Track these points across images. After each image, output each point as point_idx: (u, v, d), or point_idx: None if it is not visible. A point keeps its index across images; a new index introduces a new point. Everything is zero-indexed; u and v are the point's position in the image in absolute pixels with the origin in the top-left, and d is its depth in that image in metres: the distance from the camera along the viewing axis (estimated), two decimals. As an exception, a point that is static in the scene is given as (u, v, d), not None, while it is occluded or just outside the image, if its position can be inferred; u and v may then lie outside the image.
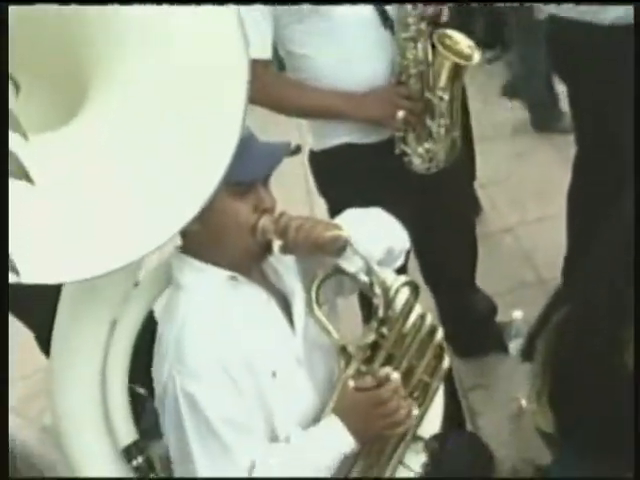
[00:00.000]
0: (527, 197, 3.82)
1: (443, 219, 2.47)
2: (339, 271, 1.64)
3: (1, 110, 0.92)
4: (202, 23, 1.36)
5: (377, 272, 1.57)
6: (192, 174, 1.34)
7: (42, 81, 1.39)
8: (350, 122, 2.21)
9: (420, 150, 2.21)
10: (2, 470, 1.04)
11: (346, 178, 2.26)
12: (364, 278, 1.61)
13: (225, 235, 1.58)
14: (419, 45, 2.10)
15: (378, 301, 1.58)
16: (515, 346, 2.59)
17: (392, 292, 1.64)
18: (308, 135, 2.37)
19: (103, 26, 1.34)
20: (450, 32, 2.14)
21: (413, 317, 1.69)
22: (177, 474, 1.66)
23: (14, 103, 0.97)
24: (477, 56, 2.13)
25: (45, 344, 2.96)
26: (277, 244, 1.63)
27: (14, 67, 1.02)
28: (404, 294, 1.69)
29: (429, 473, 1.74)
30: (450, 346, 2.53)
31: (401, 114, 2.13)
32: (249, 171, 1.51)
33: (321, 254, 1.62)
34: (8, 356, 1.06)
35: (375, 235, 1.66)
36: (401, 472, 1.73)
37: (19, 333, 3.74)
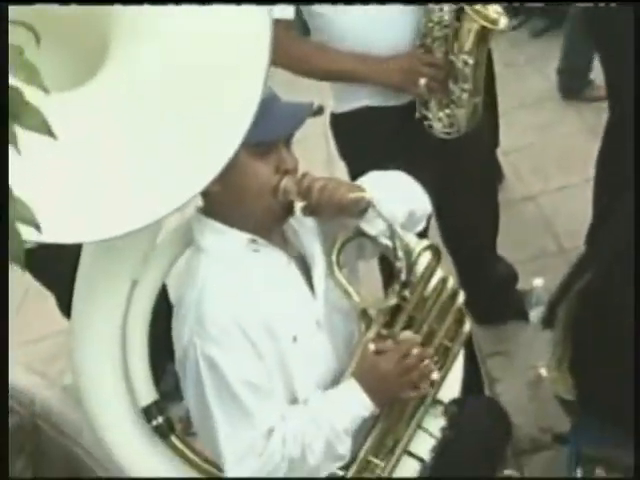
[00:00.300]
0: (550, 165, 3.79)
1: (465, 184, 2.45)
2: (361, 234, 1.63)
3: (1, 110, 0.90)
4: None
5: (400, 235, 1.55)
6: (213, 134, 1.32)
7: (61, 40, 1.38)
8: (371, 85, 2.20)
9: (441, 115, 2.19)
10: (2, 470, 1.05)
11: (367, 141, 2.24)
12: (386, 241, 1.60)
13: (246, 196, 1.57)
14: (445, 7, 2.07)
15: (400, 264, 1.56)
16: (535, 314, 2.58)
17: (414, 256, 1.63)
18: (329, 98, 2.34)
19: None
20: None
21: (434, 281, 1.69)
22: (198, 436, 1.67)
23: (35, 55, 0.96)
24: (504, 21, 2.09)
25: (65, 305, 2.99)
26: (299, 206, 1.61)
27: (34, 20, 1.00)
28: (426, 258, 1.68)
29: (447, 437, 1.75)
30: (469, 312, 2.55)
31: (423, 82, 2.12)
32: (271, 131, 1.49)
33: (343, 216, 1.60)
34: (8, 356, 1.06)
35: (397, 198, 1.64)
36: (420, 436, 1.73)
37: (39, 295, 3.79)
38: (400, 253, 1.56)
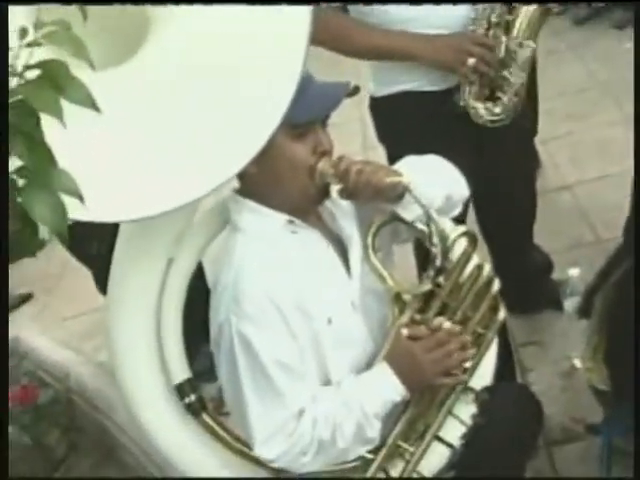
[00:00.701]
0: (588, 155, 3.74)
1: (504, 171, 2.43)
2: (397, 218, 1.63)
3: (1, 110, 0.91)
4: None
5: (436, 220, 1.55)
6: (251, 115, 1.33)
7: (102, 19, 1.39)
8: (414, 69, 2.18)
9: (488, 104, 2.17)
10: (2, 470, 1.06)
11: (406, 125, 2.23)
12: (421, 226, 1.59)
13: (283, 177, 1.58)
14: None
15: (436, 250, 1.55)
16: (570, 304, 2.56)
17: (450, 241, 1.62)
18: (368, 82, 2.33)
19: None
20: None
21: (470, 267, 1.68)
22: (230, 415, 1.69)
23: (81, 31, 0.97)
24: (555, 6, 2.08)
25: (102, 282, 3.02)
26: (335, 188, 1.61)
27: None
28: (462, 244, 1.67)
29: (477, 424, 1.74)
30: (503, 301, 2.54)
31: (472, 61, 2.09)
32: (308, 111, 1.49)
33: (379, 200, 1.60)
34: (8, 356, 1.08)
35: (435, 182, 1.64)
36: (450, 422, 1.73)
37: (76, 272, 3.83)
38: (435, 239, 1.55)
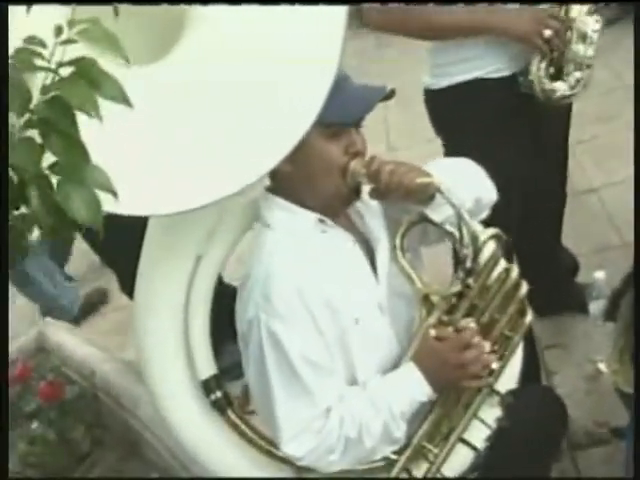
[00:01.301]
0: (614, 158, 3.71)
1: (546, 167, 2.44)
2: (426, 219, 1.63)
3: (1, 110, 0.93)
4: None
5: (468, 221, 1.54)
6: (285, 113, 1.33)
7: (137, 15, 1.40)
8: (474, 58, 2.19)
9: (557, 81, 2.19)
10: (2, 470, 1.07)
11: (468, 116, 2.23)
12: (451, 228, 1.59)
13: (315, 176, 1.58)
14: None
15: (466, 251, 1.55)
16: (596, 307, 2.54)
17: (480, 243, 1.62)
18: (424, 75, 2.34)
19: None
20: None
21: (498, 270, 1.68)
22: (257, 412, 1.69)
23: (115, 28, 0.98)
24: None
25: (125, 283, 3.05)
26: (366, 188, 1.62)
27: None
28: (490, 247, 1.67)
29: (502, 426, 1.74)
30: (529, 302, 2.52)
31: (548, 32, 2.11)
32: (342, 112, 1.49)
33: (410, 201, 1.60)
34: (8, 356, 1.09)
35: (465, 184, 1.64)
36: (475, 424, 1.72)
37: (100, 270, 3.87)
38: (467, 240, 1.55)
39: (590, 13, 2.15)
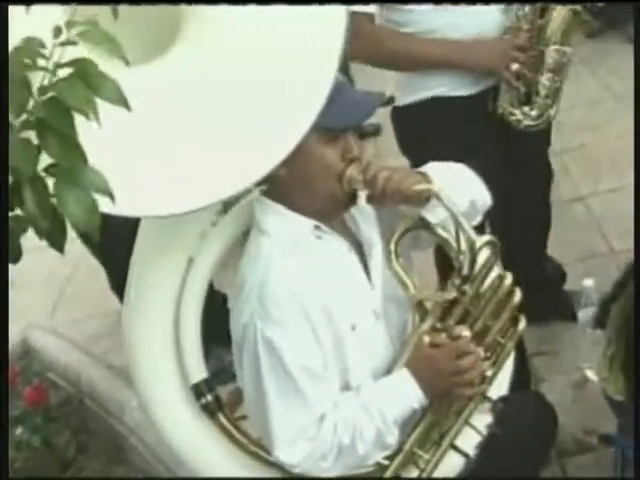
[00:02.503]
0: (600, 167, 3.74)
1: (523, 179, 2.44)
2: (420, 225, 1.63)
3: (1, 110, 0.92)
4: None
5: (464, 227, 1.55)
6: (283, 117, 1.33)
7: (133, 16, 1.39)
8: (441, 74, 2.18)
9: (525, 109, 2.19)
10: (2, 470, 1.07)
11: (431, 133, 2.23)
12: (444, 234, 1.59)
13: (311, 181, 1.58)
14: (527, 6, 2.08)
15: (463, 257, 1.55)
16: (584, 314, 2.55)
17: (476, 250, 1.61)
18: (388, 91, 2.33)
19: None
20: None
21: (492, 277, 1.68)
22: (249, 417, 1.69)
23: (113, 29, 0.98)
24: (585, 13, 2.11)
25: (115, 281, 3.02)
26: (362, 194, 1.61)
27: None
28: (484, 253, 1.67)
29: (493, 433, 1.74)
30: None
31: (515, 66, 2.11)
32: (340, 118, 1.49)
33: (406, 205, 1.60)
34: (8, 355, 1.08)
35: (460, 188, 1.64)
36: (466, 431, 1.72)
37: (86, 275, 3.85)
38: (464, 245, 1.55)
39: (558, 43, 2.13)
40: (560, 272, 2.85)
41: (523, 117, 2.20)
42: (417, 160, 2.24)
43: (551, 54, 2.13)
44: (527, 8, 2.10)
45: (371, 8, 2.11)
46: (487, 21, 2.13)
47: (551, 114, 2.22)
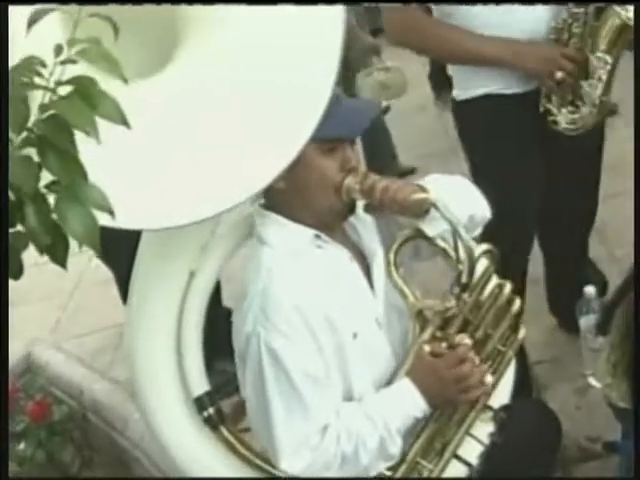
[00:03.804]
0: (602, 173, 3.74)
1: (573, 179, 2.44)
2: (419, 235, 1.63)
3: (1, 109, 0.93)
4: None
5: (463, 236, 1.55)
6: (281, 129, 1.34)
7: (131, 31, 1.40)
8: (496, 71, 2.18)
9: (564, 111, 2.19)
10: (2, 470, 1.07)
11: (487, 128, 2.25)
12: (443, 244, 1.60)
13: (311, 192, 1.59)
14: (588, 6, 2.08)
15: (462, 266, 1.56)
16: (586, 321, 2.54)
17: (475, 259, 1.62)
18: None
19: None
20: None
21: (491, 286, 1.69)
22: (252, 428, 1.69)
23: (113, 46, 0.98)
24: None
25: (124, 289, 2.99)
26: (361, 204, 1.63)
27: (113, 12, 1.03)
28: (483, 263, 1.68)
29: (495, 442, 1.74)
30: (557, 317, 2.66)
31: (560, 74, 2.11)
32: (338, 129, 1.50)
33: (405, 215, 1.61)
34: (8, 356, 1.08)
35: (459, 200, 1.64)
36: (469, 440, 1.72)
37: (89, 289, 3.86)
38: (463, 255, 1.55)
39: (604, 51, 2.13)
40: (601, 281, 2.80)
41: (562, 119, 2.19)
42: (474, 153, 2.30)
43: (594, 61, 2.12)
44: (581, 9, 2.09)
45: None
46: (536, 20, 2.13)
47: (589, 122, 2.21)
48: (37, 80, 0.93)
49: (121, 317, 2.65)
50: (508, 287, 1.69)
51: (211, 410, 1.69)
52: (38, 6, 0.99)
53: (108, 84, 0.98)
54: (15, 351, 3.11)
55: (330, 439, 1.57)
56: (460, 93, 2.31)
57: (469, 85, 2.26)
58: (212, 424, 1.70)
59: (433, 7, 2.21)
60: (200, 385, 1.69)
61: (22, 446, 2.55)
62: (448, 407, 1.68)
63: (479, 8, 2.11)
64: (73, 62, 0.93)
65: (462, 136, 2.40)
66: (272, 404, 1.55)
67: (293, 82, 1.33)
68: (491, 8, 2.10)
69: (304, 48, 1.34)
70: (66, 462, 2.57)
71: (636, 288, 1.66)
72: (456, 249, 1.56)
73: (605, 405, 1.93)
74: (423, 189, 1.59)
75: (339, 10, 1.34)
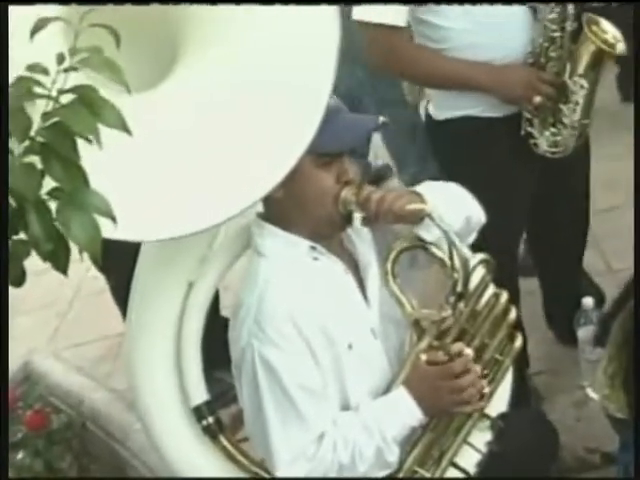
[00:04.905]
0: (597, 186, 3.74)
1: (560, 196, 2.45)
2: (416, 245, 1.64)
3: (1, 109, 0.94)
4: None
5: (458, 245, 1.56)
6: (278, 140, 1.35)
7: (132, 43, 1.42)
8: (476, 93, 2.18)
9: (546, 134, 2.19)
10: (2, 470, 1.07)
11: (465, 150, 2.24)
12: (440, 253, 1.61)
13: (307, 204, 1.60)
14: (567, 24, 2.08)
15: (457, 275, 1.57)
16: (584, 333, 2.55)
17: (470, 268, 1.63)
18: (428, 104, 2.35)
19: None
20: (599, 18, 2.10)
21: (487, 295, 1.70)
22: (250, 438, 1.69)
23: (116, 55, 1.00)
24: (621, 47, 2.09)
25: (121, 299, 2.99)
26: (358, 216, 1.64)
27: (117, 23, 1.04)
28: (479, 272, 1.69)
29: (493, 451, 1.74)
30: (555, 331, 2.67)
31: (539, 99, 2.11)
32: (335, 142, 1.52)
33: (401, 224, 1.62)
34: (8, 356, 1.09)
35: (454, 206, 1.66)
36: (466, 449, 1.73)
37: (87, 299, 3.86)
38: (457, 264, 1.56)
39: (581, 75, 2.13)
40: (598, 295, 2.76)
41: (544, 142, 2.19)
42: (451, 175, 2.26)
43: (571, 85, 2.12)
44: (558, 33, 2.09)
45: (401, 20, 2.11)
46: (515, 43, 2.13)
47: (570, 144, 2.21)
48: (39, 90, 0.94)
49: (120, 326, 2.66)
50: (504, 296, 1.70)
51: (210, 419, 1.70)
52: (41, 15, 1.00)
53: (109, 95, 0.99)
54: (13, 360, 3.11)
55: (327, 448, 1.57)
56: (438, 113, 2.30)
57: (449, 105, 2.25)
58: (211, 433, 1.71)
59: (414, 32, 2.21)
60: (199, 394, 1.69)
61: (20, 455, 2.55)
62: (445, 416, 1.68)
63: (461, 31, 2.11)
64: (75, 69, 0.95)
65: (439, 156, 2.39)
66: (268, 415, 1.56)
67: (290, 94, 1.35)
68: (469, 31, 2.10)
69: (300, 63, 1.35)
70: (64, 471, 2.56)
71: (636, 300, 1.66)
72: (451, 258, 1.57)
73: (603, 416, 1.94)
74: (419, 197, 1.60)
75: (334, 24, 1.35)
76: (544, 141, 2.19)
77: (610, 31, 2.10)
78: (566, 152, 2.21)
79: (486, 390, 1.67)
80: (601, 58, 2.11)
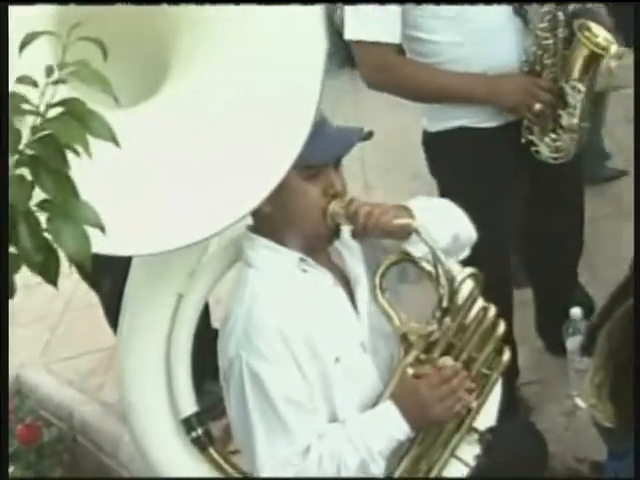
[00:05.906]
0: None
1: (556, 208, 2.45)
2: (404, 259, 1.65)
3: (1, 109, 0.95)
4: (281, 8, 1.38)
5: (443, 261, 1.57)
6: (265, 154, 1.36)
7: (122, 57, 1.43)
8: (466, 106, 2.19)
9: (547, 140, 2.20)
10: (2, 470, 1.08)
11: (460, 161, 2.24)
12: (429, 267, 1.61)
13: (295, 217, 1.61)
14: (559, 31, 2.10)
15: (442, 291, 1.58)
16: (572, 343, 2.56)
17: (457, 283, 1.64)
18: (422, 117, 2.36)
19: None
20: (590, 24, 2.13)
21: (475, 309, 1.70)
22: (240, 449, 1.70)
23: (102, 67, 1.01)
24: (614, 48, 2.12)
25: (113, 316, 2.99)
26: (346, 229, 1.64)
27: (105, 38, 1.05)
28: (468, 286, 1.69)
29: (482, 464, 1.74)
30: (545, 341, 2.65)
31: (538, 107, 2.13)
32: (321, 154, 1.53)
33: (389, 238, 1.63)
34: (8, 356, 1.10)
35: (443, 222, 1.67)
36: (454, 462, 1.72)
37: (78, 311, 3.85)
38: (443, 279, 1.57)
39: (576, 80, 2.15)
40: (589, 304, 2.77)
41: (545, 149, 2.20)
42: (446, 186, 2.28)
43: (568, 90, 2.14)
44: (550, 40, 2.11)
45: (395, 37, 2.12)
46: (507, 54, 2.15)
47: (572, 149, 2.22)
48: (27, 107, 0.95)
49: (111, 340, 2.66)
50: (492, 310, 1.70)
51: (200, 431, 1.70)
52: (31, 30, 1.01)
53: (97, 109, 1.00)
54: (4, 373, 3.10)
55: (312, 461, 1.57)
56: (431, 124, 2.29)
57: (443, 116, 2.25)
58: (200, 445, 1.71)
59: (405, 47, 2.21)
60: (189, 406, 1.70)
61: (11, 469, 2.54)
62: (432, 429, 1.68)
63: (450, 45, 2.13)
64: (64, 82, 0.96)
65: (434, 167, 2.38)
66: (254, 426, 1.56)
67: (277, 108, 1.36)
68: (459, 44, 2.12)
69: (287, 77, 1.37)
70: (55, 483, 2.56)
71: (636, 302, 1.66)
72: (437, 274, 1.57)
73: (592, 426, 1.95)
74: (407, 211, 1.61)
75: (321, 40, 1.36)
76: (545, 147, 2.21)
77: (601, 34, 2.13)
78: (568, 157, 2.23)
79: (473, 404, 1.67)
80: (595, 61, 2.13)
